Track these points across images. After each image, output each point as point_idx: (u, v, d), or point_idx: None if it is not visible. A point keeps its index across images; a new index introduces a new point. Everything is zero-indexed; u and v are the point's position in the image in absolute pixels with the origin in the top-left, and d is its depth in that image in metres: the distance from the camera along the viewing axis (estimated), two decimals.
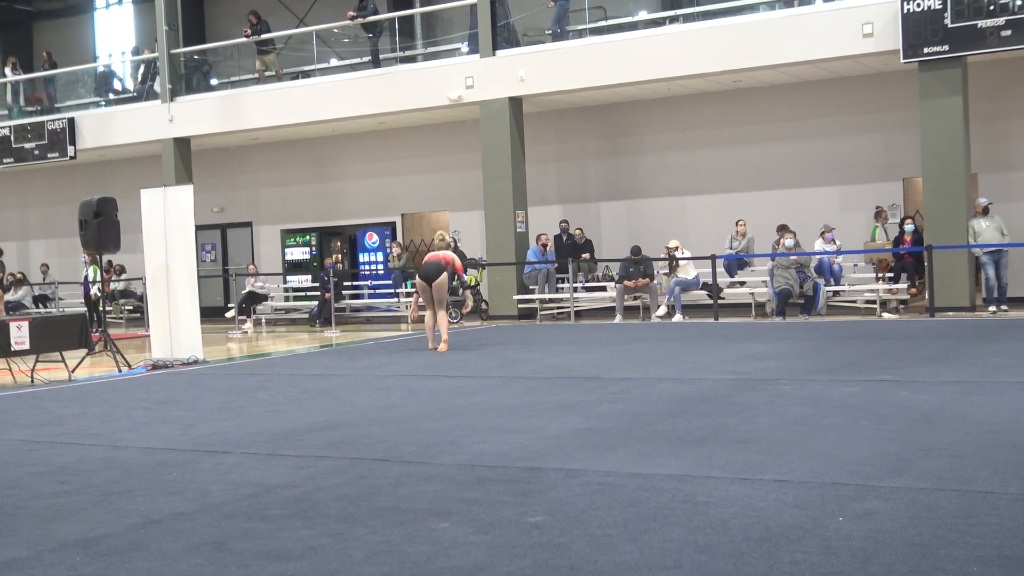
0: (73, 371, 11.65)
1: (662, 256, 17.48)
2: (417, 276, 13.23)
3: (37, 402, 9.43)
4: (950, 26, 15.08)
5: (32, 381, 11.30)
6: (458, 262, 13.14)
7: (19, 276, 24.27)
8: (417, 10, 22.07)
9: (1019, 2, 14.68)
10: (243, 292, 20.75)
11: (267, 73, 21.65)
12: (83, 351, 12.09)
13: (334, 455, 6.03)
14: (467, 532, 4.22)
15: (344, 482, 5.26)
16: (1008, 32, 14.76)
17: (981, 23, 14.90)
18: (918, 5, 15.27)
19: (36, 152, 23.45)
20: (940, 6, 15.10)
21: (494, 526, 4.29)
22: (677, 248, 17.23)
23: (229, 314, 20.64)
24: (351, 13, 20.55)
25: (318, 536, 4.25)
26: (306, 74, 21.84)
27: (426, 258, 13.19)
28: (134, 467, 5.97)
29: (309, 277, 22.60)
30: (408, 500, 4.80)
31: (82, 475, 5.81)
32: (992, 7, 14.83)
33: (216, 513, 4.72)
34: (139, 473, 5.79)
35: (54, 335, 11.62)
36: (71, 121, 23.05)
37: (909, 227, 16.68)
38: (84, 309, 20.33)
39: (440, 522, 4.38)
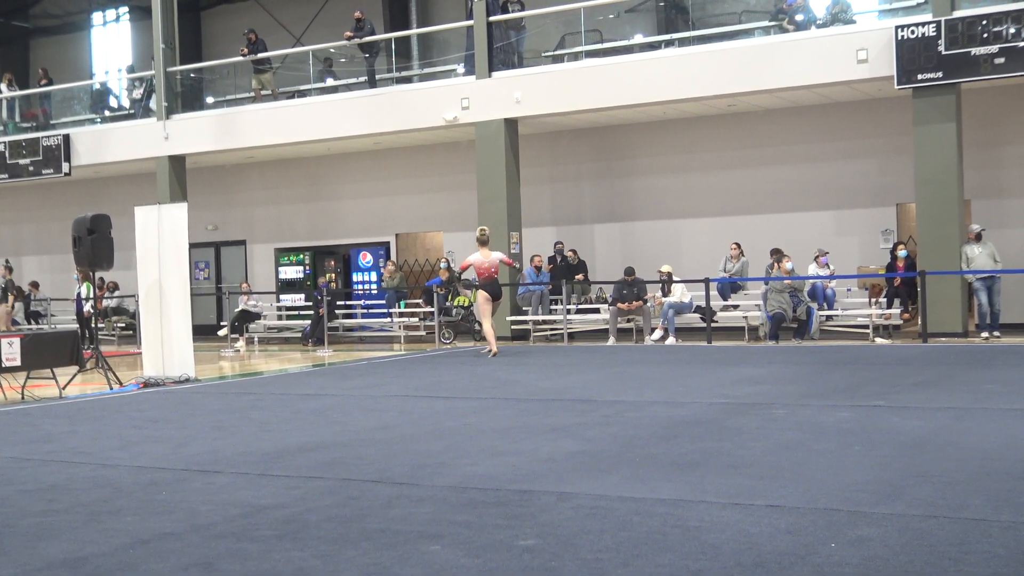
0: (64, 388, 11.60)
1: (655, 279, 17.48)
2: (480, 290, 15.05)
3: (27, 419, 9.39)
4: (944, 53, 15.17)
5: (23, 398, 11.25)
6: (505, 258, 15.59)
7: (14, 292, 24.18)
8: (414, 31, 22.15)
9: (1012, 30, 14.78)
10: (236, 310, 20.72)
11: (263, 92, 21.69)
12: (74, 368, 12.06)
13: (325, 476, 6.00)
14: (458, 555, 4.20)
15: (335, 503, 5.24)
16: (1002, 60, 14.85)
17: (975, 50, 14.98)
18: (912, 32, 15.36)
19: (31, 168, 23.43)
20: (934, 33, 15.20)
21: (485, 549, 4.27)
22: (671, 273, 17.24)
23: (222, 332, 20.60)
24: (348, 33, 20.63)
25: (308, 558, 4.23)
26: (302, 93, 21.88)
27: (482, 271, 14.93)
28: (124, 486, 5.94)
29: (302, 296, 22.57)
30: (399, 522, 4.78)
31: (71, 493, 5.77)
32: (986, 35, 14.92)
33: (206, 533, 4.70)
34: (129, 492, 5.76)
35: (45, 352, 11.59)
36: (66, 138, 23.05)
37: (902, 252, 16.73)
38: (76, 326, 20.30)
39: (431, 544, 4.37)
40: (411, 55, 21.84)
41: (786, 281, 15.80)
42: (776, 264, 16.27)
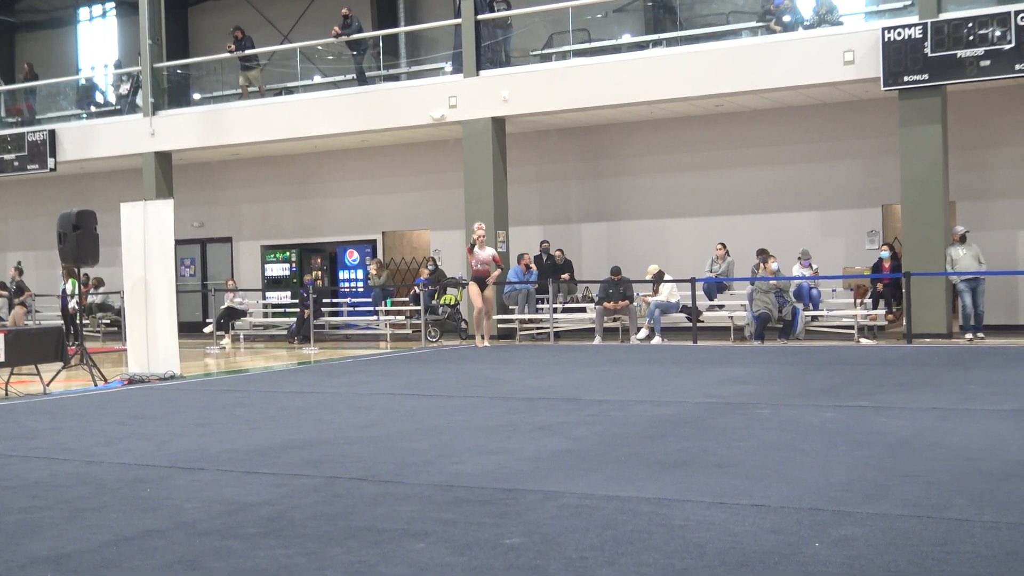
0: (48, 384, 11.56)
1: (642, 279, 17.50)
2: (472, 282, 16.50)
3: (11, 416, 9.34)
4: (930, 55, 15.23)
5: (6, 394, 11.20)
6: (496, 255, 16.70)
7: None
8: (401, 29, 22.12)
9: (998, 33, 14.85)
10: (222, 307, 20.66)
11: (250, 89, 21.64)
12: (59, 364, 12.01)
13: (310, 473, 5.99)
14: (443, 553, 4.20)
15: (320, 501, 5.23)
16: (987, 62, 14.91)
17: (961, 53, 15.05)
18: (899, 34, 15.42)
19: (16, 163, 23.32)
20: (920, 35, 15.26)
21: (470, 547, 4.27)
22: (661, 272, 17.23)
23: (207, 329, 20.54)
24: (336, 30, 20.59)
25: (293, 555, 4.22)
26: (289, 91, 21.84)
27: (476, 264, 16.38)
28: (108, 483, 5.92)
29: (288, 293, 22.53)
30: (384, 520, 4.77)
31: (55, 490, 5.75)
32: (972, 37, 14.99)
33: (190, 531, 4.68)
34: (113, 489, 5.74)
35: (30, 348, 11.54)
36: (52, 133, 22.95)
37: (885, 253, 16.80)
38: (61, 322, 20.22)
39: (416, 543, 4.36)
40: (399, 53, 21.81)
41: (772, 281, 15.84)
42: (762, 264, 16.31)
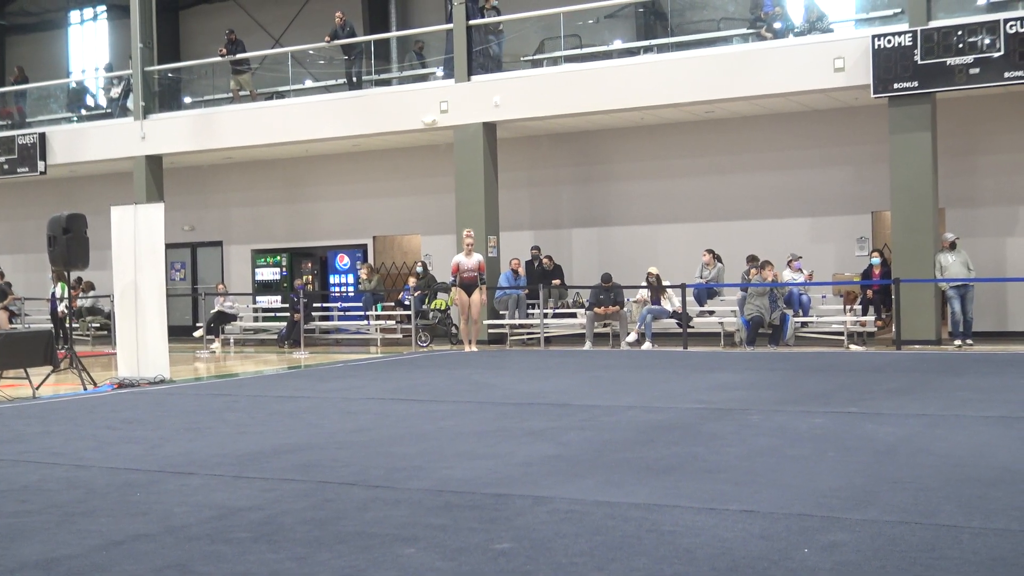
0: (37, 388, 11.52)
1: (635, 284, 17.52)
2: (460, 288, 16.93)
3: (0, 420, 9.32)
4: (920, 63, 15.30)
5: None
6: (482, 262, 17.06)
7: None
8: (393, 33, 22.12)
9: (987, 41, 14.92)
10: (212, 311, 20.63)
11: (241, 93, 21.62)
12: (48, 368, 11.97)
13: (300, 478, 5.99)
14: (433, 558, 4.20)
15: (310, 506, 5.23)
16: (976, 70, 14.99)
17: (950, 60, 15.12)
18: (889, 41, 15.48)
19: (6, 167, 23.25)
20: (910, 43, 15.33)
21: (461, 552, 4.28)
22: (658, 277, 17.22)
23: (197, 333, 20.51)
24: (328, 37, 20.58)
25: (283, 560, 4.22)
26: (281, 95, 21.82)
27: (463, 272, 16.79)
28: (97, 487, 5.91)
29: (279, 298, 22.51)
30: (374, 525, 4.78)
31: (44, 494, 5.74)
32: (961, 45, 15.06)
33: (180, 535, 4.68)
34: (102, 493, 5.73)
35: (19, 351, 11.50)
36: (42, 136, 22.89)
37: (875, 260, 16.85)
38: (50, 326, 20.16)
39: (406, 547, 4.37)
40: (390, 58, 21.82)
41: (768, 287, 15.82)
42: (758, 271, 16.27)
